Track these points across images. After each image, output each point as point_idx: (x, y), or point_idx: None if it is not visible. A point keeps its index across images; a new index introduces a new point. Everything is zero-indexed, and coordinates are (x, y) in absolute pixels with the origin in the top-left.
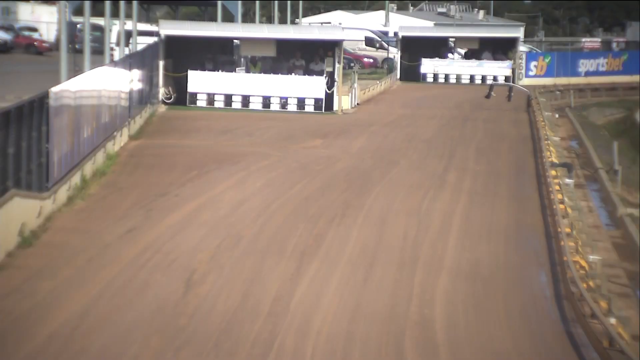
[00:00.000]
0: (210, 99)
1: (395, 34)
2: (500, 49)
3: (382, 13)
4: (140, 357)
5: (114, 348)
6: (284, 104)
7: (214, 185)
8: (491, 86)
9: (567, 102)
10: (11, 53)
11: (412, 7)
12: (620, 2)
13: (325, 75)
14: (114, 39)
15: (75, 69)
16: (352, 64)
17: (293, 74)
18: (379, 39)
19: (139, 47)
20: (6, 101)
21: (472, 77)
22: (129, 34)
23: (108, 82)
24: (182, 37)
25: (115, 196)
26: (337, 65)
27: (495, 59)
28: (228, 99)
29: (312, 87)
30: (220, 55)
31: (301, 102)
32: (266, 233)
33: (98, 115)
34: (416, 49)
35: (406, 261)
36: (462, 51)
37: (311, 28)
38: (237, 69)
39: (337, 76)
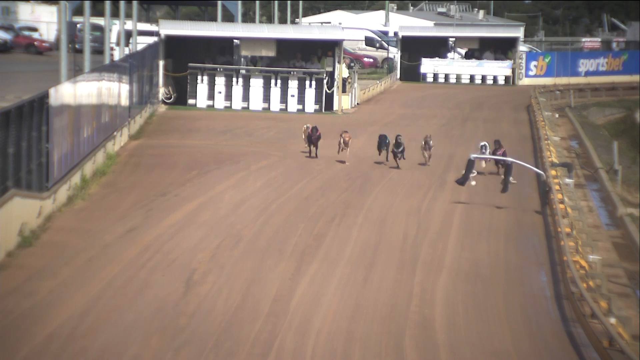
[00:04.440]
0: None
1: (395, 34)
2: (500, 49)
3: (382, 13)
4: (140, 357)
5: (114, 348)
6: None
7: (214, 185)
8: (470, 164)
9: (567, 102)
10: (11, 53)
11: (412, 7)
12: (620, 2)
13: (325, 75)
14: (114, 39)
15: (75, 69)
16: (352, 64)
17: (293, 73)
18: (379, 39)
19: (139, 47)
20: (6, 101)
21: (472, 77)
22: (129, 34)
23: (108, 82)
24: (182, 37)
25: (115, 196)
26: (337, 65)
27: (495, 58)
28: None
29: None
30: (221, 55)
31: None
32: (266, 233)
33: (98, 115)
34: (416, 49)
35: (406, 261)
36: (462, 51)
37: (311, 28)
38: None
39: (337, 76)
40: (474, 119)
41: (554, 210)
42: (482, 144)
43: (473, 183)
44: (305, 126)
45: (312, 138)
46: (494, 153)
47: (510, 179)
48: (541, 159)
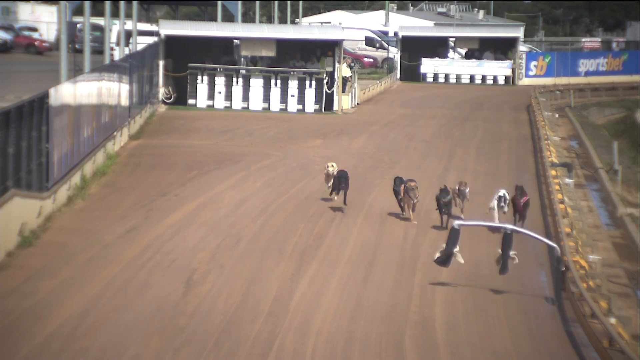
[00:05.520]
0: None
1: (395, 34)
2: (500, 49)
3: (382, 13)
4: (140, 357)
5: (114, 348)
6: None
7: (214, 185)
8: (454, 234)
9: (567, 102)
10: (11, 53)
11: (412, 7)
12: (620, 2)
13: (325, 75)
14: (114, 39)
15: (76, 69)
16: (352, 64)
17: (293, 73)
18: (379, 39)
19: (139, 47)
20: (6, 101)
21: (472, 77)
22: (129, 34)
23: (108, 82)
24: (182, 37)
25: (115, 196)
26: (337, 65)
27: (495, 58)
28: None
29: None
30: (225, 55)
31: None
32: (266, 233)
33: (98, 115)
34: (416, 49)
35: (406, 261)
36: (462, 51)
37: (311, 28)
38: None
39: (337, 76)
40: (474, 119)
41: (554, 210)
42: (501, 194)
43: (461, 260)
44: (327, 167)
45: (340, 186)
46: (513, 202)
47: (511, 253)
48: (541, 159)
